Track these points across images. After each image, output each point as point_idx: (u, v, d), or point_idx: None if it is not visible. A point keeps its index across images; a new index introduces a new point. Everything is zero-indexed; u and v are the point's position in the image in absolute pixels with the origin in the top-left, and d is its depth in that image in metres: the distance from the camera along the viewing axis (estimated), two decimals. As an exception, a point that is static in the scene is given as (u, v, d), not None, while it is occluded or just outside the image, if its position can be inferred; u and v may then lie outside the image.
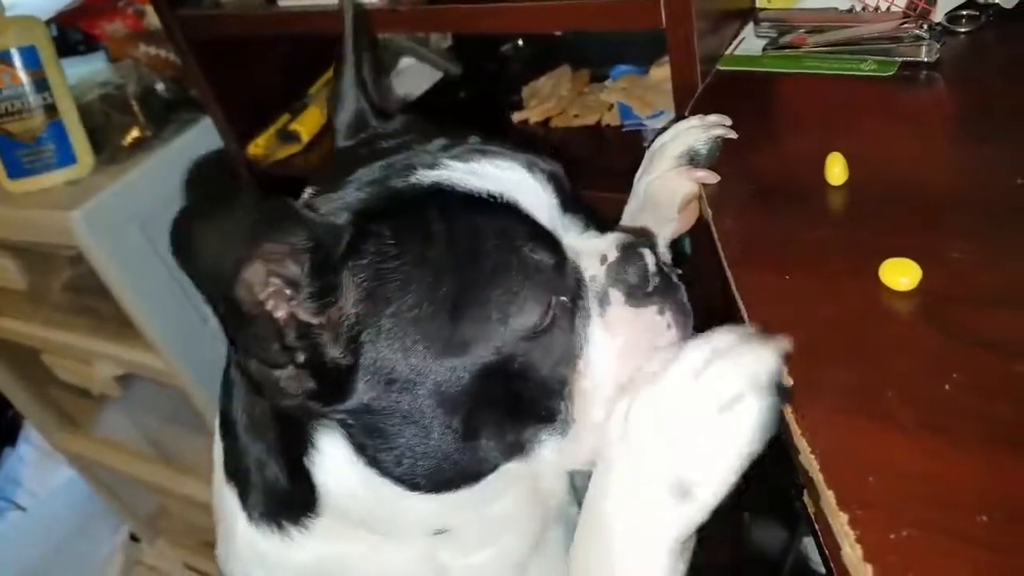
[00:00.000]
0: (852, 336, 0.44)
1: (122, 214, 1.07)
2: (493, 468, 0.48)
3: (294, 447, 0.49)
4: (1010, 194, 0.50)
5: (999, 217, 0.49)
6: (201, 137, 1.12)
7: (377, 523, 0.51)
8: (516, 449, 0.48)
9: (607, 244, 0.49)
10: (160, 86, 1.15)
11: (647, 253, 0.49)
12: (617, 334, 0.48)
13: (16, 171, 1.11)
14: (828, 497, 0.37)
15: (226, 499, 0.54)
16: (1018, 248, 0.47)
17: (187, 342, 1.16)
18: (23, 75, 1.08)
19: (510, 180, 0.47)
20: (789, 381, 0.42)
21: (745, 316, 0.47)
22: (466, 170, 0.47)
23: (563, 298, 0.47)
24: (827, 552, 0.38)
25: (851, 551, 0.35)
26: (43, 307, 1.35)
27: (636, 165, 0.83)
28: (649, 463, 0.41)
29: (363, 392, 0.45)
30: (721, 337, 0.42)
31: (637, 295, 0.48)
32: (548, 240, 0.47)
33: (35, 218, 1.10)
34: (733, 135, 0.60)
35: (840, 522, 0.36)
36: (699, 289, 0.81)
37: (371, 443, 0.46)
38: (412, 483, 0.47)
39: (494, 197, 0.46)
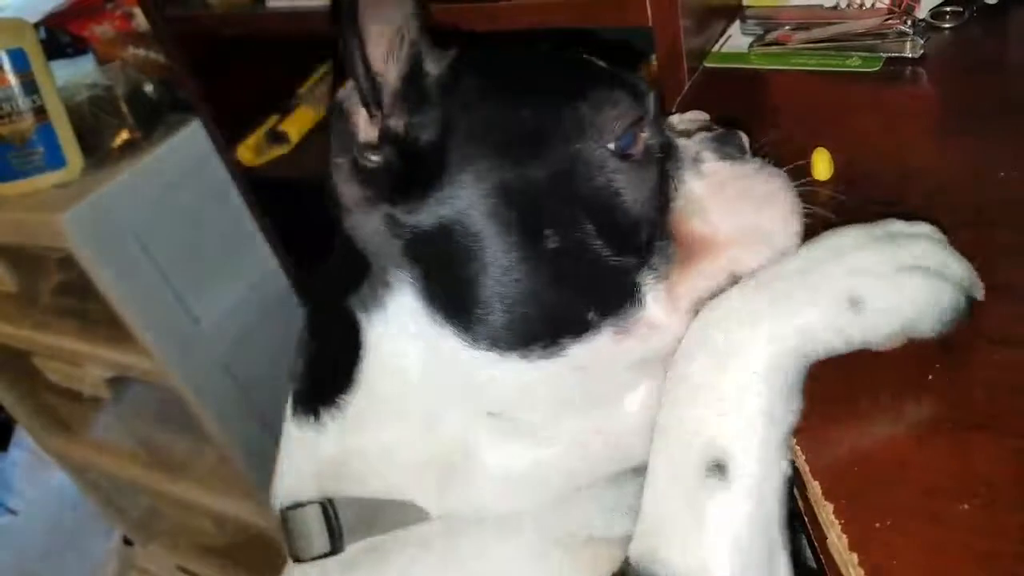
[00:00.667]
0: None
1: (112, 216, 1.07)
2: (585, 329, 0.42)
3: (348, 318, 0.45)
4: (992, 187, 0.51)
5: (981, 210, 0.49)
6: (190, 139, 1.12)
7: (422, 400, 0.44)
8: (613, 303, 0.42)
9: (696, 137, 0.49)
10: (149, 88, 1.14)
11: (742, 134, 0.49)
12: (714, 182, 0.45)
13: (5, 174, 1.11)
14: (814, 487, 0.37)
15: (286, 412, 0.51)
16: (1000, 240, 0.47)
17: (178, 343, 1.16)
18: (12, 78, 1.07)
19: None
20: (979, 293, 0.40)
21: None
22: None
23: (653, 136, 0.44)
24: (815, 543, 0.38)
25: (837, 540, 0.35)
26: (33, 310, 1.34)
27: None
28: (818, 272, 0.40)
29: (449, 196, 0.41)
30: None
31: (733, 156, 0.47)
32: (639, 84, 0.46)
33: (24, 220, 1.09)
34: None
35: (826, 512, 0.36)
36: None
37: (446, 283, 0.42)
38: (491, 335, 0.41)
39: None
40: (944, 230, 0.42)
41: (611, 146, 0.42)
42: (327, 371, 0.47)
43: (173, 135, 1.12)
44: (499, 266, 0.41)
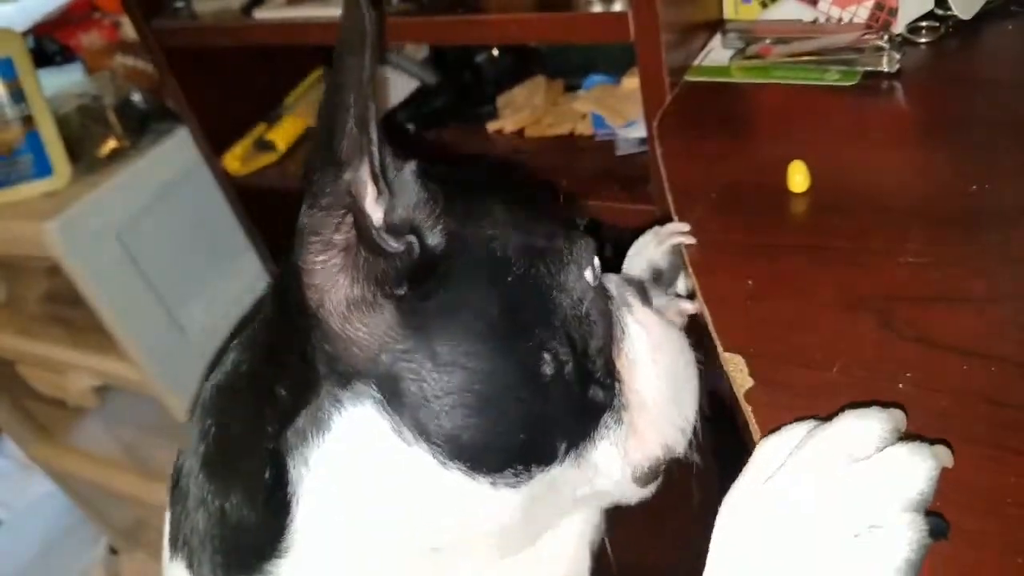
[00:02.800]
0: (811, 337, 0.46)
1: (99, 225, 1.07)
2: (553, 458, 0.42)
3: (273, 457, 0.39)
4: (964, 200, 0.52)
5: (953, 222, 0.51)
6: (177, 148, 1.12)
7: (365, 536, 0.40)
8: (577, 433, 0.43)
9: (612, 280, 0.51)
10: (137, 97, 1.15)
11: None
12: (647, 328, 0.47)
13: (-8, 182, 1.11)
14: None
15: None
16: (970, 253, 0.48)
17: (164, 352, 1.16)
18: (-1, 86, 1.08)
19: None
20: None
21: (709, 321, 0.49)
22: None
23: (598, 282, 0.45)
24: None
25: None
26: (19, 318, 1.34)
27: (607, 172, 0.85)
28: (753, 569, 0.35)
29: (447, 308, 0.39)
30: (864, 427, 0.36)
31: (650, 303, 0.50)
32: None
33: (11, 229, 1.09)
34: (691, 240, 0.54)
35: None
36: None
37: (426, 399, 0.38)
38: (468, 456, 0.39)
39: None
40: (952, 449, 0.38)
41: (587, 276, 0.44)
42: (246, 532, 0.40)
43: (161, 144, 1.13)
44: (490, 385, 0.39)
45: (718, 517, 0.37)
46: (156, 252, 1.13)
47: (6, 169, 1.11)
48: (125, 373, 1.19)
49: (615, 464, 0.45)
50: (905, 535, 0.32)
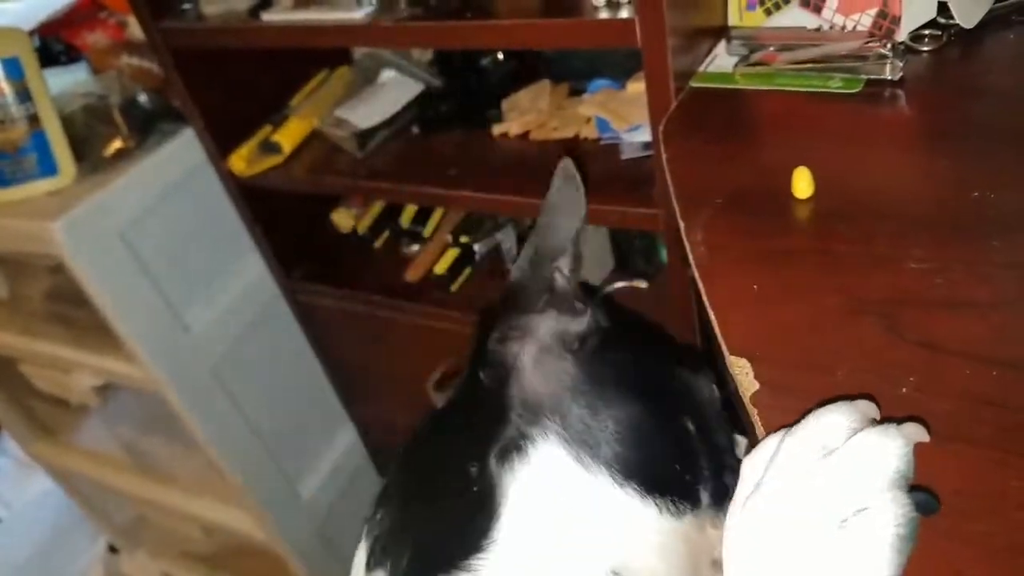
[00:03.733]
0: (817, 341, 0.46)
1: (104, 224, 1.07)
2: (695, 497, 0.49)
3: (483, 474, 0.46)
4: (967, 206, 0.53)
5: (956, 228, 0.51)
6: (183, 148, 1.13)
7: (556, 556, 0.44)
8: (714, 485, 0.50)
9: None
10: (143, 97, 1.15)
11: None
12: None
13: (-3, 181, 1.11)
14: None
15: None
16: (973, 259, 0.49)
17: (167, 352, 1.16)
18: (5, 85, 1.08)
19: None
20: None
21: (715, 325, 0.49)
22: None
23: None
24: None
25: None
26: (21, 316, 1.34)
27: (612, 176, 0.85)
28: None
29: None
30: (830, 421, 0.38)
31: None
32: None
33: (16, 228, 1.10)
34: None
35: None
36: (673, 296, 0.83)
37: (590, 431, 0.47)
38: (628, 472, 0.46)
39: None
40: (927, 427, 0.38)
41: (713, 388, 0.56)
42: (452, 538, 0.45)
43: (166, 144, 1.13)
44: (646, 425, 0.48)
45: (724, 540, 0.39)
46: (161, 252, 1.14)
47: (11, 168, 1.11)
48: (128, 372, 1.19)
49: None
50: (890, 512, 0.34)
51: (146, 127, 1.15)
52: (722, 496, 0.50)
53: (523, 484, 0.45)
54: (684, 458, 0.49)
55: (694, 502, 0.48)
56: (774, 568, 0.36)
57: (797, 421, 0.39)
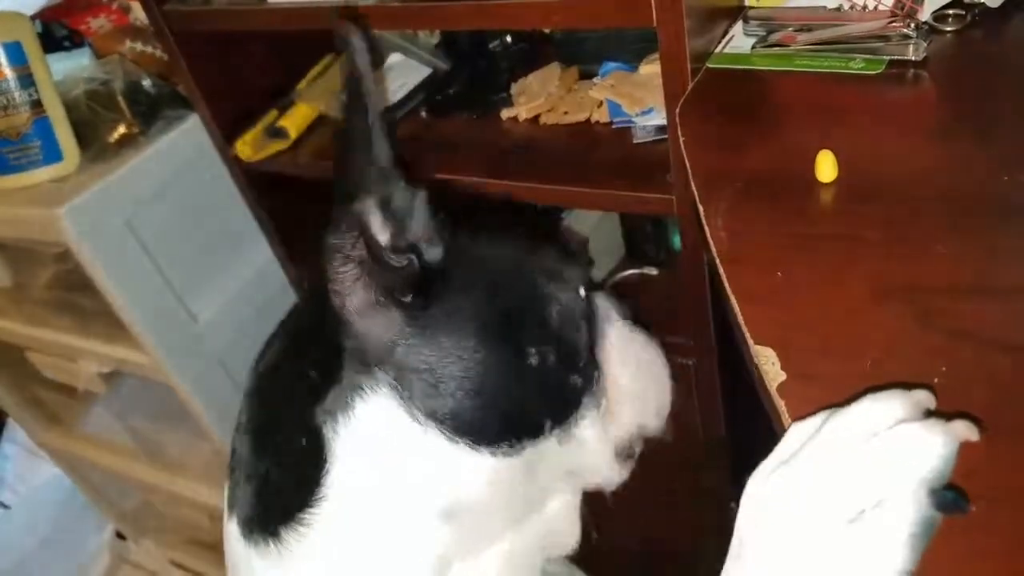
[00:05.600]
0: (843, 330, 0.45)
1: (109, 211, 1.06)
2: (540, 432, 0.50)
3: (310, 429, 0.46)
4: (995, 189, 0.51)
5: (985, 212, 0.50)
6: (188, 134, 1.12)
7: (387, 505, 0.46)
8: (560, 412, 0.51)
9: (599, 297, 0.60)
10: (147, 82, 1.13)
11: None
12: (619, 331, 0.58)
13: (1, 168, 1.10)
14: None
15: (230, 535, 0.50)
16: (1003, 243, 0.48)
17: (174, 339, 1.16)
18: (8, 71, 1.06)
19: None
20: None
21: (738, 313, 0.48)
22: None
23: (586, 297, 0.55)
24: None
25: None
26: (27, 304, 1.33)
27: (625, 160, 0.84)
28: (769, 552, 0.36)
29: (450, 311, 0.47)
30: (880, 408, 0.36)
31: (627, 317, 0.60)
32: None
33: (21, 215, 1.09)
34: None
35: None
36: (687, 284, 0.82)
37: (432, 384, 0.46)
38: (469, 431, 0.46)
39: None
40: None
41: (580, 291, 0.54)
42: (286, 489, 0.47)
43: (171, 130, 1.12)
44: (485, 373, 0.47)
45: (741, 502, 0.38)
46: (166, 238, 1.13)
47: (15, 154, 1.10)
48: (135, 359, 1.19)
49: (596, 439, 0.54)
50: (908, 510, 0.33)
51: (151, 113, 1.13)
52: (567, 416, 0.52)
53: (351, 438, 0.45)
54: (525, 401, 0.49)
55: (536, 434, 0.50)
56: (781, 546, 0.36)
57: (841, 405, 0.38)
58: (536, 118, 0.95)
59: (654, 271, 1.01)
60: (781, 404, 0.42)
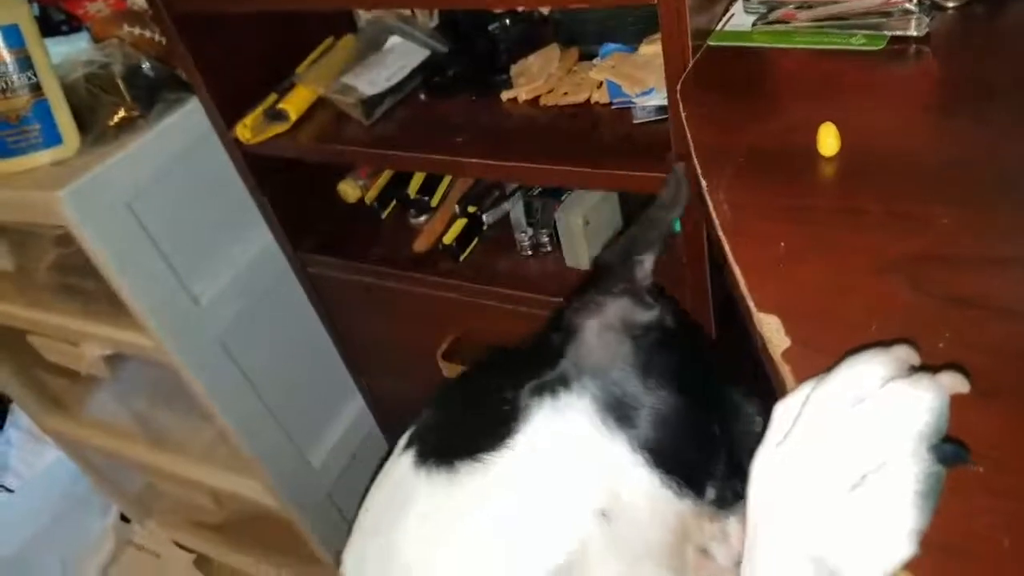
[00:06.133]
0: (847, 299, 0.46)
1: (110, 194, 1.06)
2: (700, 491, 0.54)
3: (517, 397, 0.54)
4: (994, 163, 0.52)
5: (985, 185, 0.51)
6: (188, 117, 1.11)
7: (560, 473, 0.52)
8: (721, 487, 0.55)
9: None
10: (146, 66, 1.13)
11: None
12: None
13: (1, 151, 1.10)
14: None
15: (401, 463, 0.57)
16: (1002, 218, 0.48)
17: (176, 321, 1.16)
18: (6, 54, 1.06)
19: None
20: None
21: (741, 282, 0.49)
22: None
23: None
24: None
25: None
26: (29, 288, 1.33)
27: (625, 140, 0.84)
28: (780, 531, 0.37)
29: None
30: (863, 371, 0.36)
31: None
32: None
33: (21, 198, 1.09)
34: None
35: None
36: (687, 262, 0.82)
37: (624, 405, 0.54)
38: (640, 445, 0.53)
39: None
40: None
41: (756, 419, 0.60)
42: (476, 436, 0.53)
43: (171, 113, 1.11)
44: (676, 420, 0.54)
45: (749, 489, 0.39)
46: (167, 221, 1.13)
47: (14, 137, 1.09)
48: (137, 342, 1.19)
49: (730, 542, 0.55)
50: (910, 468, 0.33)
51: (150, 96, 1.13)
52: (727, 503, 0.55)
53: (546, 416, 0.52)
54: (701, 454, 0.55)
55: (698, 492, 0.53)
56: (790, 524, 0.36)
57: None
58: (536, 99, 0.95)
59: (654, 251, 1.02)
60: (786, 370, 0.43)
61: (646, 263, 0.64)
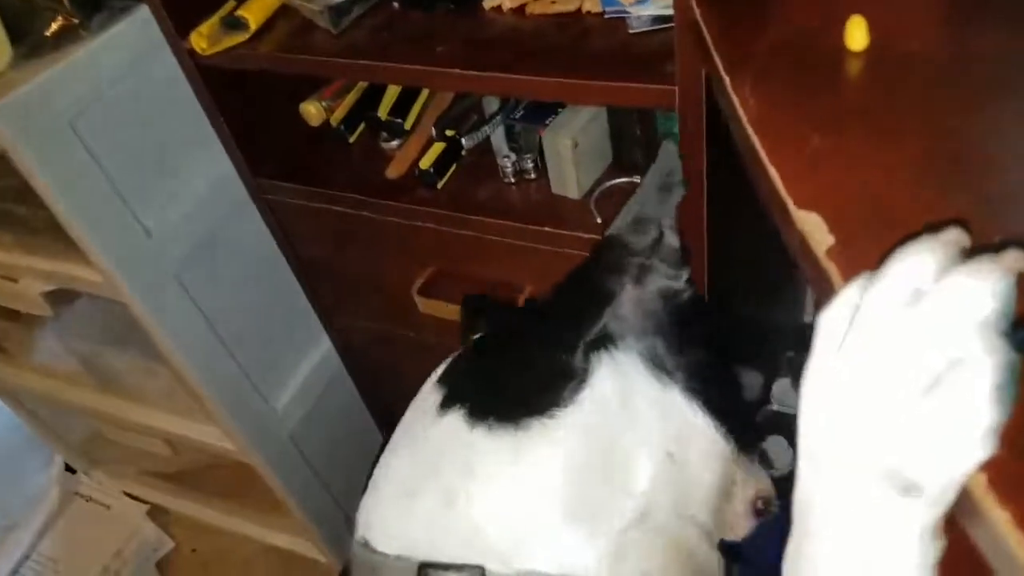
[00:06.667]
0: (886, 198, 0.42)
1: (49, 111, 0.97)
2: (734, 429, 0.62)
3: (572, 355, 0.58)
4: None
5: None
6: (136, 26, 1.02)
7: (621, 430, 0.58)
8: (750, 442, 0.65)
9: None
10: (87, -32, 1.03)
11: None
12: None
13: (-79, 63, 0.99)
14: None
15: (444, 423, 0.60)
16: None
17: (125, 252, 1.08)
18: (-75, -49, 0.95)
19: None
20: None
21: (777, 179, 0.44)
22: None
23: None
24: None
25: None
26: (-39, 219, 1.23)
27: (621, 51, 0.79)
28: (846, 449, 0.34)
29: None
30: (914, 264, 0.33)
31: None
32: None
33: (-52, 115, 0.98)
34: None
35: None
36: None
37: (672, 359, 0.61)
38: (692, 391, 0.61)
39: None
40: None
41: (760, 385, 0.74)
42: (538, 390, 0.56)
43: (117, 22, 1.02)
44: (711, 373, 0.61)
45: (800, 403, 0.36)
46: (114, 143, 1.04)
47: (-62, 49, 0.99)
48: (84, 276, 1.11)
49: (747, 483, 0.64)
50: (986, 361, 0.30)
51: (93, 3, 1.03)
52: (745, 448, 0.62)
53: (607, 371, 0.57)
54: (737, 403, 0.64)
55: (735, 437, 0.60)
56: (858, 439, 0.34)
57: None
58: (521, 8, 0.88)
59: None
60: (832, 268, 0.39)
61: (668, 226, 0.66)
